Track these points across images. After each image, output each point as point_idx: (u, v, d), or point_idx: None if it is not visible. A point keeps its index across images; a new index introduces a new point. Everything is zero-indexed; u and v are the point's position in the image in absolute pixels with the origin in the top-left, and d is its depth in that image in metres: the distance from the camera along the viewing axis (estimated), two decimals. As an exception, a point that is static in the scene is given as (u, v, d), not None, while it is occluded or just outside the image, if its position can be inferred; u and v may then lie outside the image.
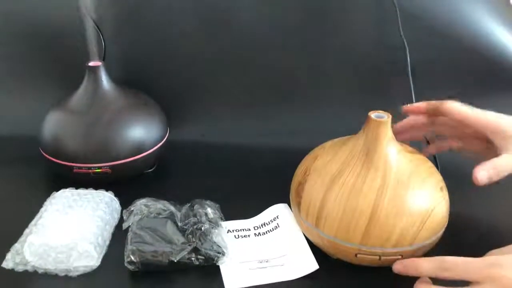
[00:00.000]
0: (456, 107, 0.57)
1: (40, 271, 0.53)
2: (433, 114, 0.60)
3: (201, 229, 0.56)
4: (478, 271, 0.44)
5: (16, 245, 0.56)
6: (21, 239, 0.56)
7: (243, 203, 0.65)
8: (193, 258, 0.54)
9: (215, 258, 0.55)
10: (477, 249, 0.48)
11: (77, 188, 0.63)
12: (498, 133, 0.55)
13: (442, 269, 0.46)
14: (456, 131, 0.61)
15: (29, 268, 0.53)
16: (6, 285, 0.53)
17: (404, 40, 0.76)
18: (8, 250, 0.55)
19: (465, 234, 0.60)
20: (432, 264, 0.47)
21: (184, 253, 0.54)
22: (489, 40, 0.81)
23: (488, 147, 0.57)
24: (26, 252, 0.54)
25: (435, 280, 0.47)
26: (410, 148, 0.57)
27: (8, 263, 0.54)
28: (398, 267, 0.49)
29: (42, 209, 0.60)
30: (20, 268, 0.53)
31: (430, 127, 0.62)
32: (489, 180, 0.53)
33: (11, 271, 0.53)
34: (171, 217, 0.59)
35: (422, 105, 0.60)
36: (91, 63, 0.68)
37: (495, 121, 0.56)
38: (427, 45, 0.80)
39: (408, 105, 0.61)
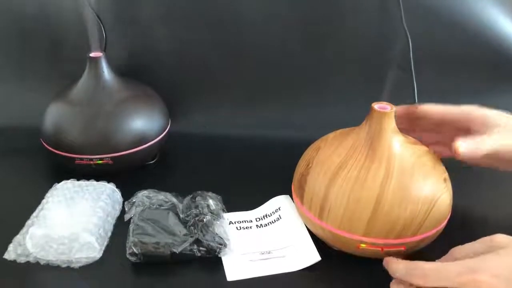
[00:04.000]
0: (432, 107, 0.58)
1: (42, 263, 0.53)
2: (411, 118, 0.59)
3: (203, 221, 0.56)
4: (453, 279, 0.41)
5: (18, 237, 0.56)
6: (23, 230, 0.56)
7: (245, 195, 0.65)
8: (195, 250, 0.54)
9: (217, 250, 0.55)
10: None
11: (78, 179, 0.63)
12: (479, 121, 0.55)
13: (412, 276, 0.43)
14: (432, 138, 0.60)
15: (31, 259, 0.53)
16: (8, 276, 0.52)
17: (407, 31, 0.75)
18: (10, 241, 0.55)
19: (468, 225, 0.60)
20: (403, 268, 0.45)
21: (186, 244, 0.54)
22: (493, 30, 0.80)
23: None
24: (28, 243, 0.53)
25: None
26: (413, 140, 0.56)
27: (10, 255, 0.54)
28: (384, 262, 0.48)
29: (44, 201, 0.60)
30: (22, 260, 0.53)
31: (411, 133, 0.59)
32: (467, 152, 0.52)
33: (13, 262, 0.53)
34: (173, 208, 0.59)
35: (399, 110, 0.58)
36: (92, 54, 0.68)
37: (473, 111, 0.57)
38: (430, 36, 0.79)
39: None
